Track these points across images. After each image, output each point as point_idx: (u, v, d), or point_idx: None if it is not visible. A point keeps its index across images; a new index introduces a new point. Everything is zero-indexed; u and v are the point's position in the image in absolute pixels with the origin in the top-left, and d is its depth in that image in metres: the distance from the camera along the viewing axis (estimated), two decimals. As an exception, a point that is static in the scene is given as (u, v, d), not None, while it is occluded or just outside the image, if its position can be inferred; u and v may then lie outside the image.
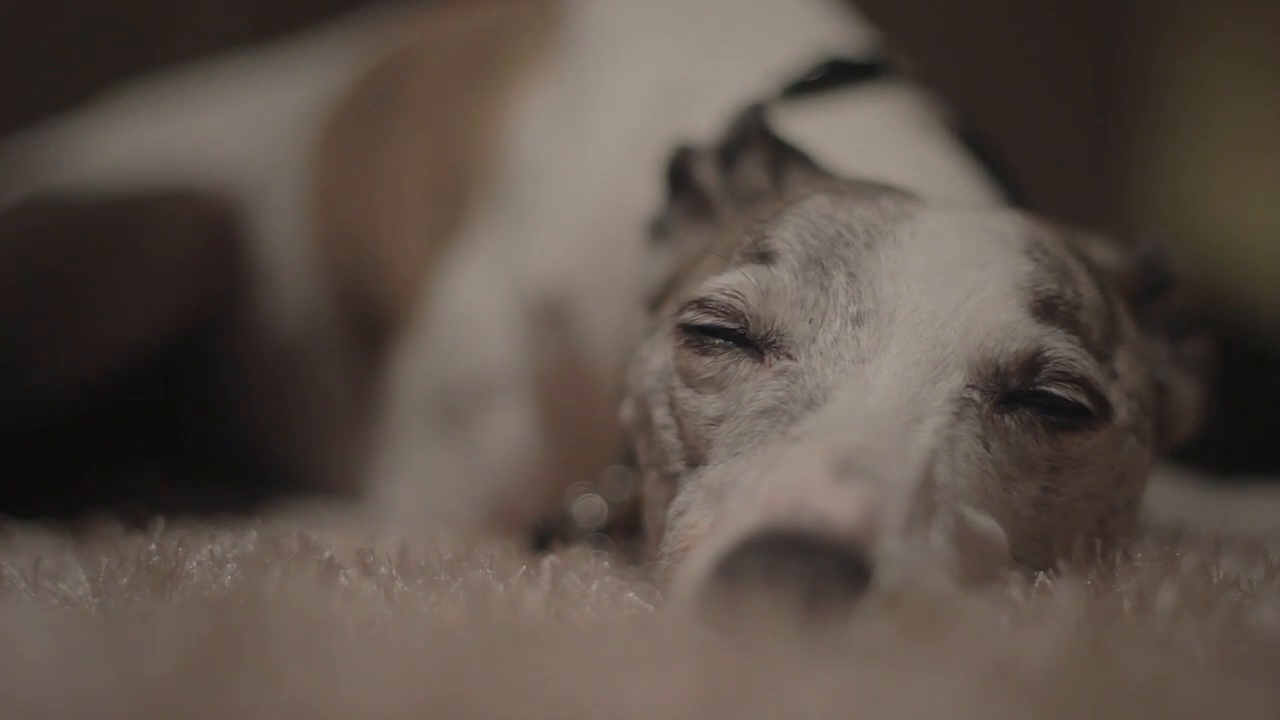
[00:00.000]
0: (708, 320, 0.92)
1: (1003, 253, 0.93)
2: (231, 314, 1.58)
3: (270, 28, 2.00)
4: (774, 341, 0.90)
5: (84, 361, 1.46)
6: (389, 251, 1.45)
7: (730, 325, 0.91)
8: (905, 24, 1.61)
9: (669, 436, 0.94)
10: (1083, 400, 0.90)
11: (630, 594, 0.89)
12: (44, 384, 1.44)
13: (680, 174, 1.10)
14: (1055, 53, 2.87)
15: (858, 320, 0.89)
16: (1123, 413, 0.93)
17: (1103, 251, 1.04)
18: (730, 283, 0.92)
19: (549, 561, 0.95)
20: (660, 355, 0.96)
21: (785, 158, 1.06)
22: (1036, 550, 0.90)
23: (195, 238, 1.54)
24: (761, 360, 0.91)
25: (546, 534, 1.13)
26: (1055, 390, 0.90)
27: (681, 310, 0.94)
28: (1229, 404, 1.12)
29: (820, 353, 0.88)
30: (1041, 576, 0.86)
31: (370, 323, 1.47)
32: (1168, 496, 1.35)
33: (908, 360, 0.88)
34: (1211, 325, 1.10)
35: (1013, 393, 0.89)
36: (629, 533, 1.09)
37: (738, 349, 0.92)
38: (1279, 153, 3.25)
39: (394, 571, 0.91)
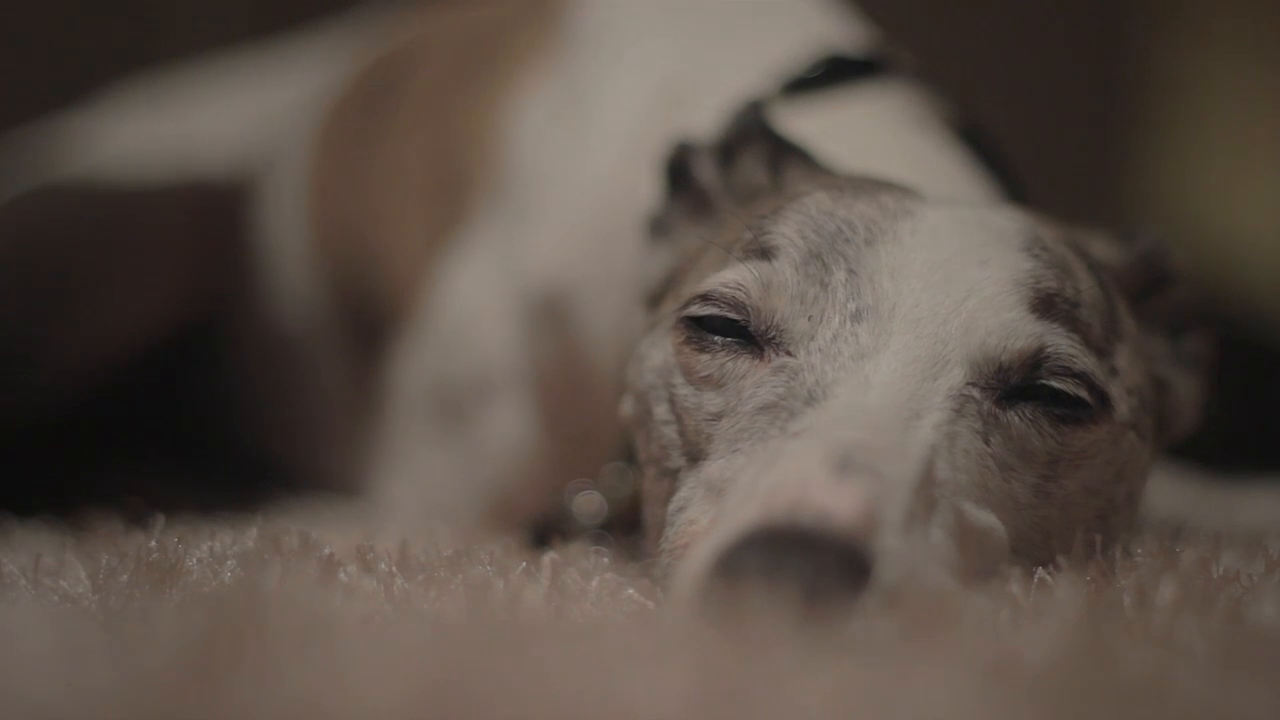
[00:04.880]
0: (712, 311, 0.92)
1: (1003, 250, 0.93)
2: (231, 309, 1.58)
3: (269, 25, 2.00)
4: (774, 337, 0.90)
5: (84, 355, 1.46)
6: (388, 248, 1.45)
7: (734, 316, 0.91)
8: (905, 22, 1.61)
9: (669, 432, 0.94)
10: (1083, 395, 0.90)
11: (630, 590, 0.89)
12: (44, 378, 1.44)
13: (680, 171, 1.10)
14: (1055, 50, 2.87)
15: (857, 317, 0.89)
16: (1123, 408, 0.93)
17: (1102, 248, 1.04)
18: (733, 277, 0.92)
19: (549, 558, 0.95)
20: (660, 351, 0.96)
21: (785, 155, 1.06)
22: (1036, 543, 0.90)
23: (195, 232, 1.54)
24: (761, 357, 0.91)
25: (546, 530, 1.13)
26: (1056, 384, 0.90)
27: (685, 305, 0.94)
28: (1228, 400, 1.12)
29: (820, 349, 0.88)
30: (1041, 572, 0.86)
31: (369, 319, 1.47)
32: (1167, 492, 1.35)
33: (907, 357, 0.88)
34: (1211, 321, 1.10)
35: (1014, 389, 0.89)
36: (629, 529, 1.09)
37: (737, 346, 0.92)
38: (1277, 149, 3.25)
39: (394, 568, 0.91)
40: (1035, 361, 0.89)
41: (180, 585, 0.87)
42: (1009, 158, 1.19)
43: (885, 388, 0.86)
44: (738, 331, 0.92)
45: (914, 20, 1.92)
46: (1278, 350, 2.34)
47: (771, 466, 0.82)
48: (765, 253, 0.93)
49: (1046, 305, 0.91)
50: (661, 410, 0.95)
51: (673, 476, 0.93)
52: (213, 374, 1.61)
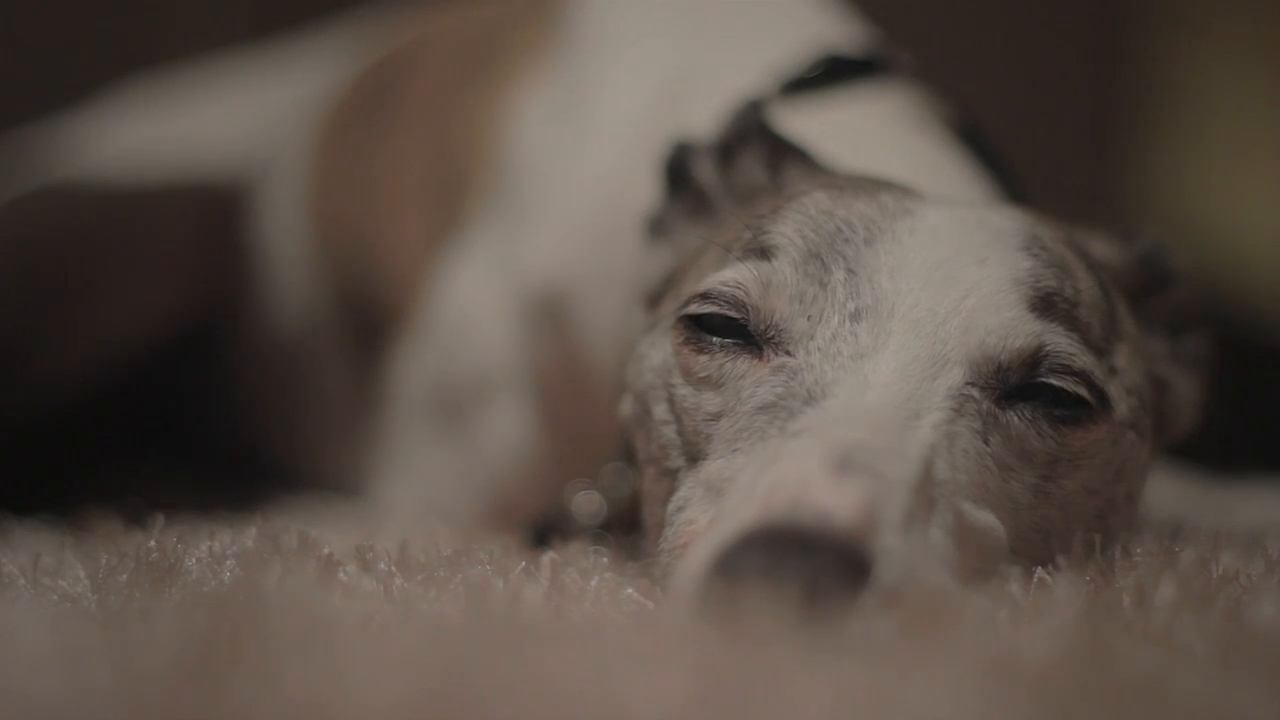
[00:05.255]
0: (711, 309, 0.92)
1: (1002, 249, 0.93)
2: (231, 310, 1.58)
3: (269, 26, 2.00)
4: (773, 337, 0.90)
5: (85, 356, 1.46)
6: (388, 249, 1.45)
7: (733, 315, 0.91)
8: (905, 22, 1.61)
9: (668, 432, 0.94)
10: (1083, 393, 0.90)
11: (629, 590, 0.89)
12: (44, 379, 1.44)
13: (679, 171, 1.10)
14: (1055, 50, 2.87)
15: (856, 316, 0.89)
16: (1122, 408, 0.93)
17: (1102, 248, 1.04)
18: (732, 275, 0.92)
19: (548, 558, 0.95)
20: (659, 351, 0.96)
21: (784, 154, 1.06)
22: (1035, 543, 0.90)
23: (196, 233, 1.54)
24: (760, 356, 0.91)
25: (546, 530, 1.13)
26: (1055, 382, 0.89)
27: (685, 304, 0.94)
28: (1228, 399, 1.12)
29: (819, 349, 0.88)
30: (1041, 572, 0.86)
31: (369, 320, 1.47)
32: (1167, 492, 1.35)
33: (907, 356, 0.88)
34: (1210, 321, 1.10)
35: (1013, 388, 0.89)
36: (628, 529, 1.09)
37: (736, 346, 0.92)
38: (1277, 148, 3.25)
39: (393, 568, 0.91)
40: (1034, 360, 0.89)
41: (179, 585, 0.87)
42: (1008, 157, 1.19)
43: (884, 387, 0.86)
44: (737, 331, 0.92)
45: (913, 20, 1.92)
46: (1278, 350, 2.34)
47: (770, 466, 0.82)
48: (765, 252, 0.93)
49: (1046, 304, 0.91)
50: (660, 410, 0.95)
51: (672, 476, 0.93)
52: (213, 374, 1.61)
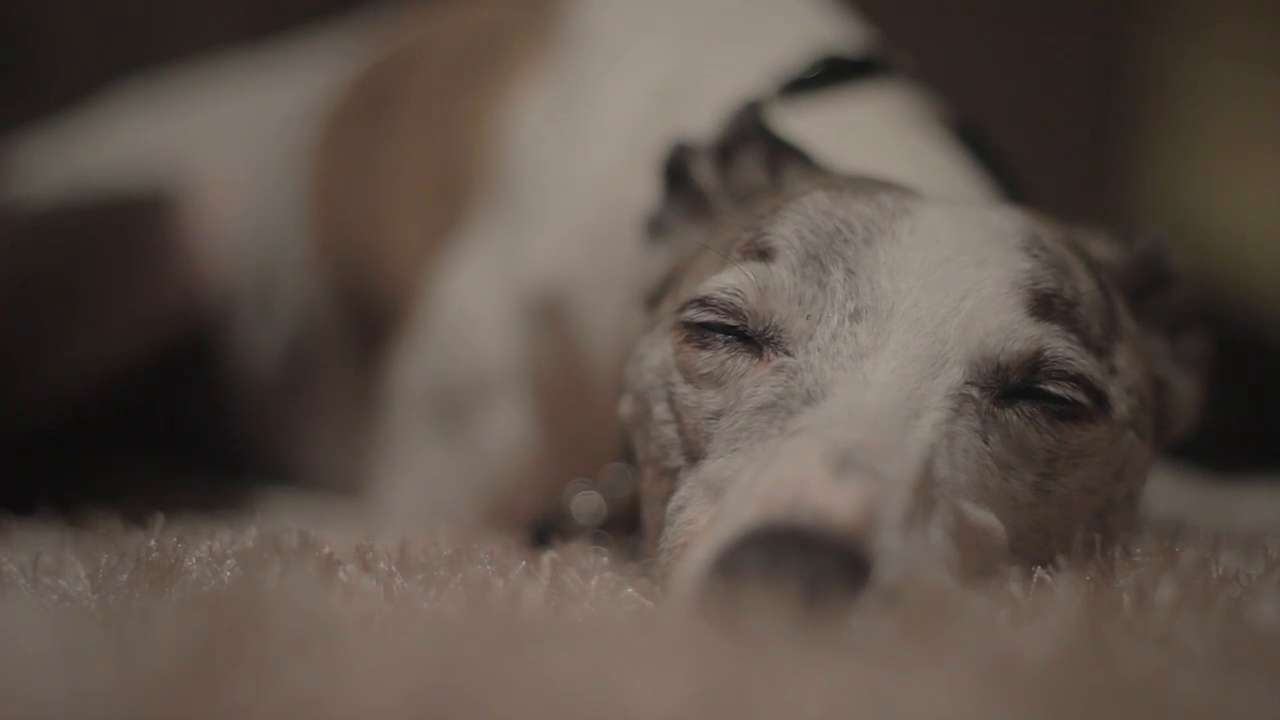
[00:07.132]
0: (709, 317, 0.92)
1: (1001, 249, 0.93)
2: (230, 312, 1.58)
3: (269, 27, 2.00)
4: (772, 337, 0.90)
5: (83, 364, 1.46)
6: (389, 250, 1.45)
7: (730, 323, 0.91)
8: (904, 23, 1.61)
9: (668, 432, 0.94)
10: (1080, 398, 0.90)
11: (629, 590, 0.89)
12: (43, 387, 1.44)
13: (678, 172, 1.10)
14: (1055, 50, 2.87)
15: (855, 316, 0.89)
16: (1121, 408, 0.93)
17: (1102, 247, 1.04)
18: (730, 281, 0.92)
19: (548, 557, 0.95)
20: (659, 351, 0.96)
21: (783, 155, 1.06)
22: (1035, 543, 0.90)
23: (193, 238, 1.54)
24: (760, 356, 0.91)
25: (546, 530, 1.13)
26: (1053, 389, 0.90)
27: (683, 308, 0.94)
28: (1228, 399, 1.12)
29: (818, 349, 0.88)
30: (1040, 571, 0.86)
31: (370, 321, 1.47)
32: (1167, 491, 1.35)
33: (906, 356, 0.88)
34: (1210, 320, 1.10)
35: (1012, 388, 0.89)
36: (628, 529, 1.09)
37: (737, 345, 0.92)
38: (1277, 149, 3.25)
39: (393, 568, 0.91)
40: (1033, 364, 0.89)
41: (179, 585, 0.88)
42: (1007, 157, 1.19)
43: (884, 387, 0.86)
44: (735, 333, 0.92)
45: (913, 21, 1.92)
46: (1278, 350, 2.34)
47: (770, 465, 0.82)
48: (763, 254, 0.93)
49: (1045, 306, 0.91)
50: (660, 410, 0.95)
51: (672, 476, 0.93)
52: (213, 375, 1.61)
